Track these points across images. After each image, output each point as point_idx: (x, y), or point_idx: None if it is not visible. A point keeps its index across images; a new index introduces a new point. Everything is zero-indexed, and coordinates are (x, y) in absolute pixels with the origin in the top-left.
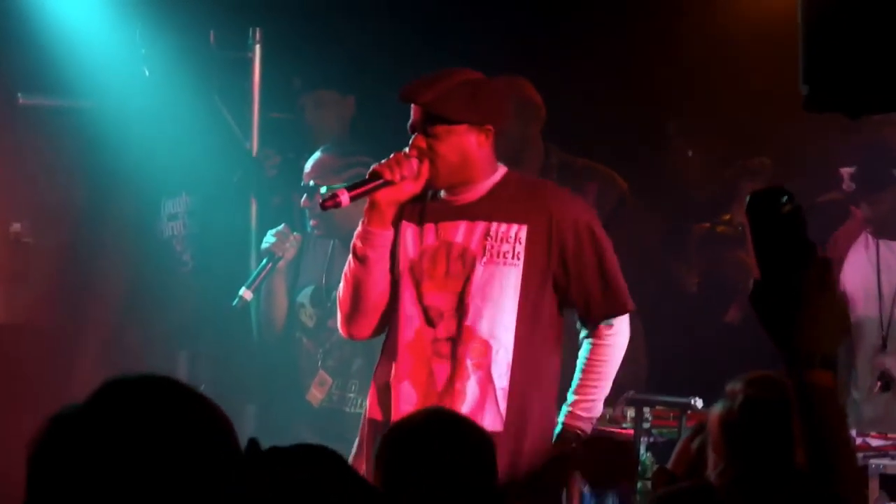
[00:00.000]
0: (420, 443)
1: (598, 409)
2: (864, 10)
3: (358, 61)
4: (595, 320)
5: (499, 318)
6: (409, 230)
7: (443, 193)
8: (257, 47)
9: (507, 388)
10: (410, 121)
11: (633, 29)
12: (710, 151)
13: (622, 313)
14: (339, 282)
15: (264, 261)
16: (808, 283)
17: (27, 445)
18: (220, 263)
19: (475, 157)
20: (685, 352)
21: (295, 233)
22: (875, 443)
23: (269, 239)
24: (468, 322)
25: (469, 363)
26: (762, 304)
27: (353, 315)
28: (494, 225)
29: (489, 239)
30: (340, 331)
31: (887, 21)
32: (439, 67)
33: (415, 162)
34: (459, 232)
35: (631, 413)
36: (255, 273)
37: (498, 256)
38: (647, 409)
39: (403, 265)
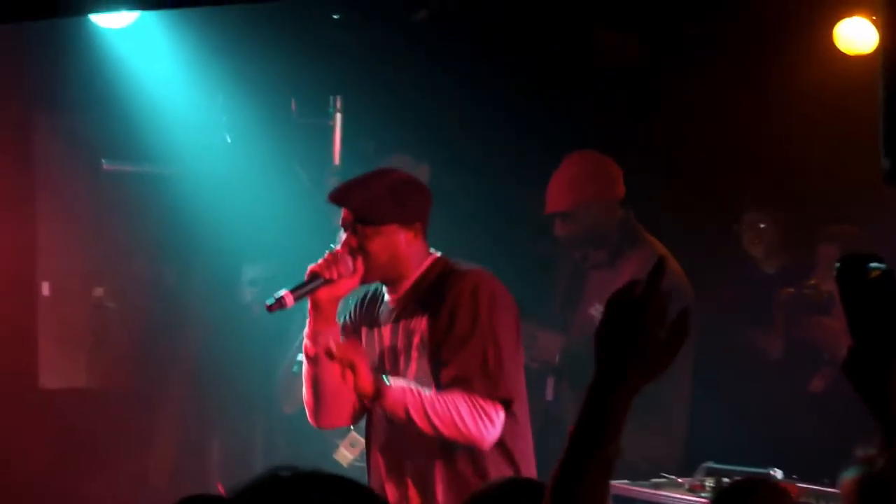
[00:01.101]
0: None
1: (401, 401)
2: None
3: (433, 129)
4: (446, 381)
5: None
6: (364, 335)
7: (384, 289)
8: (338, 115)
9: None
10: (341, 219)
11: (707, 99)
12: (785, 222)
13: (464, 389)
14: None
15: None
16: None
17: None
18: (298, 329)
19: (404, 254)
20: (766, 420)
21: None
22: None
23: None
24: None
25: (427, 451)
26: (857, 372)
27: (318, 410)
28: (413, 321)
29: (403, 335)
30: (311, 423)
31: None
32: (509, 138)
33: (349, 259)
34: (391, 335)
35: (710, 483)
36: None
37: (412, 349)
38: (725, 480)
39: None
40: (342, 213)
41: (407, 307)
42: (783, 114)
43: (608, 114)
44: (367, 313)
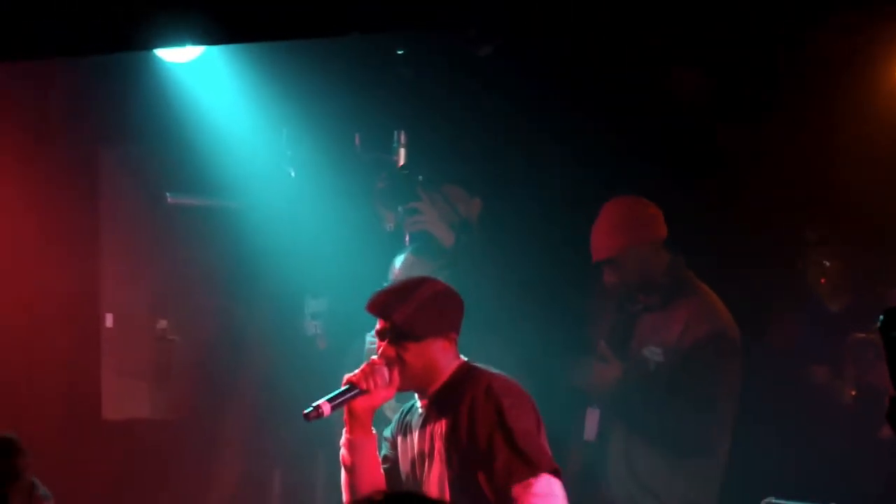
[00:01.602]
0: None
1: None
2: None
3: (491, 163)
4: (503, 485)
5: None
6: (399, 444)
7: (417, 397)
8: (402, 150)
9: None
10: (377, 328)
11: (773, 136)
12: (850, 259)
13: (533, 475)
14: None
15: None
16: None
17: None
18: (360, 363)
19: (439, 363)
20: (830, 459)
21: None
22: None
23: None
24: None
25: None
26: None
27: None
28: (436, 426)
29: (431, 439)
30: None
31: None
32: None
33: (385, 370)
34: (419, 440)
35: None
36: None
37: (436, 454)
38: None
39: (406, 474)
40: (378, 323)
41: (431, 412)
42: (849, 150)
43: (672, 152)
44: (405, 423)
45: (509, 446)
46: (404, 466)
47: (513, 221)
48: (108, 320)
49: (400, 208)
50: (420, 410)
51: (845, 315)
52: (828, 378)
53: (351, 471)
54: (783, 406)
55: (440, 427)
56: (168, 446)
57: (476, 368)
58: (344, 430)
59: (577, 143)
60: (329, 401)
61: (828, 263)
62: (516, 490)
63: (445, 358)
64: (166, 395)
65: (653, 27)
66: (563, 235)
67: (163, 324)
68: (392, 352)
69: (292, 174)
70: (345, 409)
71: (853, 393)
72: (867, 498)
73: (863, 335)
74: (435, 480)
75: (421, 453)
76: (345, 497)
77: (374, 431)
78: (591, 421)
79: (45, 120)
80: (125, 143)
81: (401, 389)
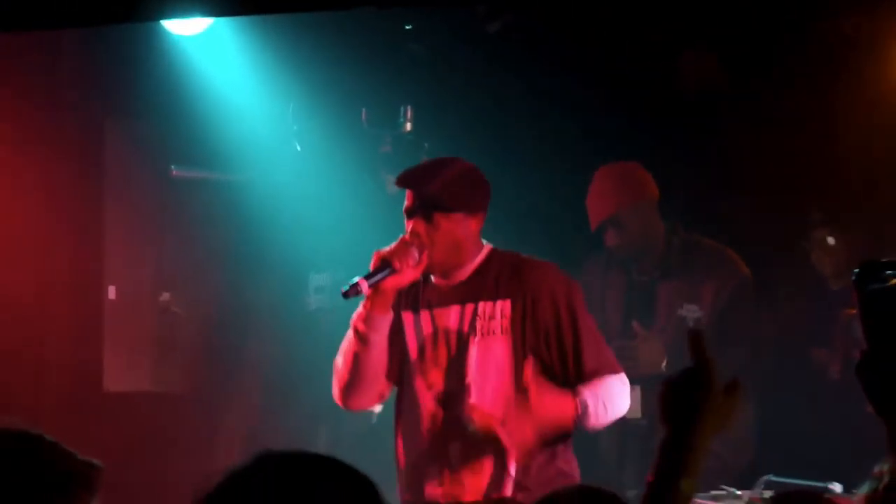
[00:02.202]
0: None
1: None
2: None
3: (500, 139)
4: (582, 378)
5: (499, 392)
6: (407, 318)
7: (433, 275)
8: (408, 124)
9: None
10: (407, 206)
11: (778, 117)
12: (854, 239)
13: (610, 372)
14: None
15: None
16: None
17: None
18: None
19: (468, 242)
20: (825, 437)
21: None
22: None
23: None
24: (473, 401)
25: (480, 440)
26: (869, 376)
27: (351, 388)
28: (481, 304)
29: (479, 318)
30: (336, 400)
31: None
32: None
33: (415, 250)
34: (452, 316)
35: (770, 495)
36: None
37: (488, 333)
38: None
39: (412, 355)
40: (407, 199)
41: (473, 291)
42: (854, 132)
43: (680, 132)
44: (410, 300)
45: (592, 337)
46: (412, 343)
47: (519, 198)
48: (111, 292)
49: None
50: (439, 288)
51: (846, 294)
52: (829, 356)
53: (364, 342)
54: (784, 384)
55: (496, 308)
56: (170, 419)
57: (529, 257)
58: (362, 303)
59: (584, 118)
60: (366, 279)
61: (831, 242)
62: (605, 367)
63: (473, 239)
64: (168, 367)
65: (659, 4)
66: (569, 211)
67: (166, 296)
68: (422, 228)
69: (298, 148)
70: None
71: (841, 367)
72: (861, 469)
73: (854, 311)
74: (477, 356)
75: (455, 331)
76: (343, 363)
77: (391, 311)
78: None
79: (52, 92)
80: (131, 115)
81: (428, 270)
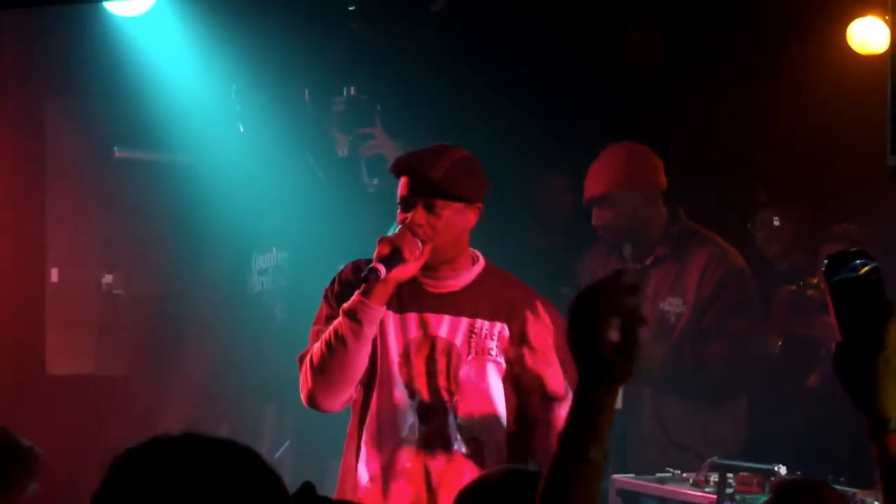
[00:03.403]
0: (499, 500)
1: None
2: None
3: (445, 119)
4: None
5: (489, 414)
6: (390, 318)
7: (420, 276)
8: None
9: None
10: (402, 194)
11: (720, 98)
12: (798, 220)
13: None
14: None
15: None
16: (892, 346)
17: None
18: (310, 319)
19: (463, 238)
20: (769, 416)
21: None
22: None
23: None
24: (461, 419)
25: (463, 459)
26: (844, 367)
27: (329, 387)
28: (479, 322)
29: (474, 336)
30: (308, 400)
31: None
32: (523, 133)
33: (419, 241)
34: (443, 326)
35: (714, 478)
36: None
37: (483, 353)
38: (730, 475)
39: (391, 358)
40: (402, 188)
41: (469, 306)
42: (797, 112)
43: (621, 113)
44: (397, 301)
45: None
46: (396, 345)
47: None
48: (54, 275)
49: (355, 132)
50: (431, 291)
51: (792, 273)
52: (763, 333)
53: (357, 334)
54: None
55: (494, 328)
56: (114, 401)
57: (510, 275)
58: (356, 295)
59: (527, 96)
60: (383, 262)
61: (776, 223)
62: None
63: (467, 235)
64: (112, 350)
65: None
66: (516, 192)
67: (108, 278)
68: (423, 218)
69: (241, 129)
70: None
71: (780, 344)
72: (802, 449)
73: (794, 288)
74: (462, 376)
75: (434, 340)
76: (320, 357)
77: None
78: None
79: None
80: (73, 96)
81: (427, 264)
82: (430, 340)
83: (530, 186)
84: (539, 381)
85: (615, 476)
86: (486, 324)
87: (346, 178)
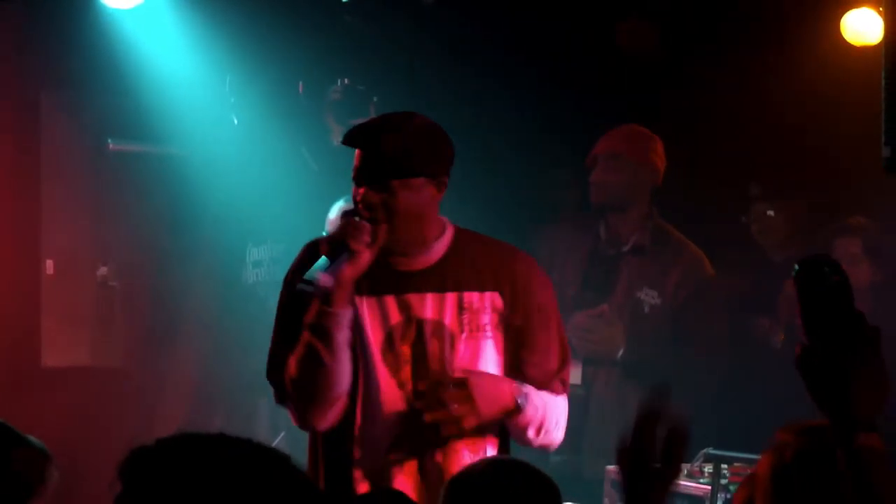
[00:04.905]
0: (489, 491)
1: (531, 412)
2: None
3: (437, 110)
4: (550, 384)
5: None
6: (364, 305)
7: (387, 255)
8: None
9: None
10: (355, 168)
11: (715, 90)
12: (793, 211)
13: (560, 393)
14: None
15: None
16: (858, 350)
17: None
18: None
19: (430, 214)
20: (766, 408)
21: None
22: None
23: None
24: (458, 407)
25: (464, 449)
26: (809, 370)
27: (314, 403)
28: (466, 295)
29: (465, 312)
30: (298, 422)
31: None
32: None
33: (367, 225)
34: (429, 306)
35: (708, 469)
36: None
37: (478, 330)
38: (724, 466)
39: (373, 348)
40: (356, 161)
41: (450, 278)
42: (791, 104)
43: (617, 105)
44: (361, 281)
45: (561, 340)
46: (375, 333)
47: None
48: (49, 267)
49: (349, 122)
50: (404, 270)
51: (788, 264)
52: (772, 325)
53: (329, 345)
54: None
55: (484, 300)
56: (108, 393)
57: (483, 236)
58: (315, 304)
59: (519, 90)
60: (325, 272)
61: (771, 214)
62: (556, 383)
63: (435, 210)
64: (107, 341)
65: None
66: (506, 183)
67: (103, 270)
68: (376, 198)
69: (235, 121)
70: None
71: (783, 338)
72: None
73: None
74: (459, 354)
75: (420, 322)
76: (302, 376)
77: (351, 305)
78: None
79: None
80: (67, 88)
81: (388, 248)
82: (415, 323)
83: (526, 177)
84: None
85: (609, 468)
86: (476, 295)
87: (341, 169)
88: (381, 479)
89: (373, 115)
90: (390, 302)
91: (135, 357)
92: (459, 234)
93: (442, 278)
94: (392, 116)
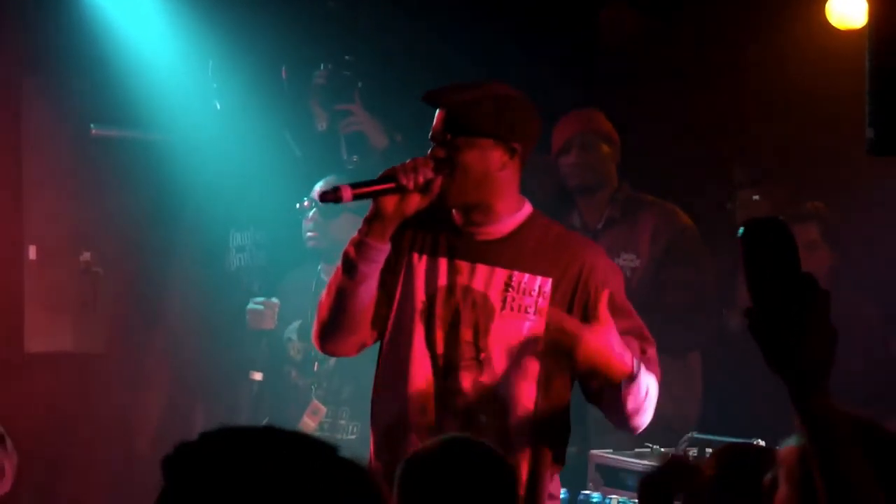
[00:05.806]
0: (441, 471)
1: (638, 386)
2: None
3: (418, 92)
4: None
5: (519, 377)
6: (419, 262)
7: (458, 220)
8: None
9: (522, 451)
10: (432, 130)
11: (698, 75)
12: (777, 195)
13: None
14: None
15: None
16: (809, 312)
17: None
18: (288, 295)
19: (496, 177)
20: (739, 392)
21: (274, 299)
22: None
23: (254, 307)
24: (484, 378)
25: (483, 421)
26: (762, 334)
27: (330, 329)
28: (516, 274)
29: (510, 290)
30: (314, 343)
31: None
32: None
33: (430, 172)
34: (477, 276)
35: (693, 453)
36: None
37: (519, 310)
38: (709, 450)
39: (416, 304)
40: (435, 121)
41: (507, 255)
42: (775, 88)
43: (599, 87)
44: (423, 239)
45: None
46: (420, 291)
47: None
48: (31, 252)
49: (333, 107)
50: (472, 236)
51: None
52: (734, 313)
53: (352, 273)
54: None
55: (535, 282)
56: (91, 378)
57: (561, 225)
58: (358, 230)
59: (503, 71)
60: (354, 186)
61: (756, 199)
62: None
63: (506, 176)
64: (90, 327)
65: None
66: None
67: (86, 256)
68: (442, 152)
69: (218, 107)
70: (372, 204)
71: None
72: (781, 424)
73: None
74: (494, 332)
75: (464, 289)
76: (325, 298)
77: (389, 242)
78: None
79: None
80: (49, 73)
81: (447, 203)
82: (461, 289)
83: None
84: (591, 357)
85: (593, 451)
86: (526, 276)
87: (324, 154)
88: (396, 437)
89: (357, 101)
90: (442, 264)
91: (118, 342)
92: (535, 216)
93: (499, 253)
94: (475, 81)
